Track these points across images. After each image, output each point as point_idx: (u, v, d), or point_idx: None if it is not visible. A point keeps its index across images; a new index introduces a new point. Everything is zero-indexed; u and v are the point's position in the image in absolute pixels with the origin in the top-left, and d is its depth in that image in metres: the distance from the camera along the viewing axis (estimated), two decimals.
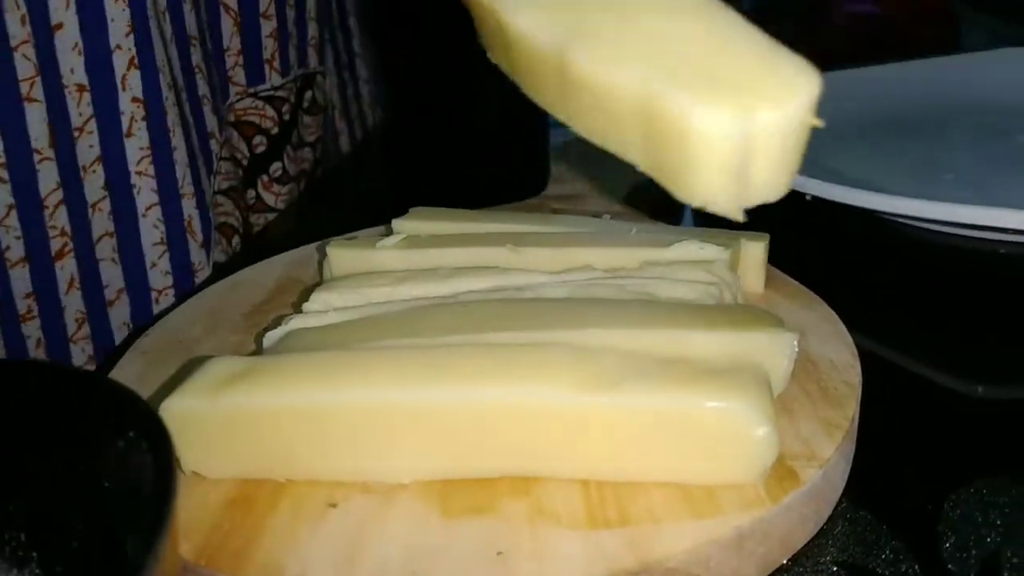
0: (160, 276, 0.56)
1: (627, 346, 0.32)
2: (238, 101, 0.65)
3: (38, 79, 0.50)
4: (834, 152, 0.65)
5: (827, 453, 0.32)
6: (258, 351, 0.39)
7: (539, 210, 0.56)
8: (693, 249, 0.40)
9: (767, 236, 0.43)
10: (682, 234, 0.43)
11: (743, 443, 0.29)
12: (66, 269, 0.52)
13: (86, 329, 0.54)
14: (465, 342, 0.33)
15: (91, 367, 0.55)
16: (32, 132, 0.50)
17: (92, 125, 0.51)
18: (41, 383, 0.28)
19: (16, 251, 0.50)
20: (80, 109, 0.50)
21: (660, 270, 0.39)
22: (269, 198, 0.69)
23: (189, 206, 0.56)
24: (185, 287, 0.57)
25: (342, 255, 0.44)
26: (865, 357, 0.37)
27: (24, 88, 0.49)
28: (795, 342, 0.33)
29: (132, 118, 0.52)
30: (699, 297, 0.37)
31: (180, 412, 0.32)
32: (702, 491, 0.30)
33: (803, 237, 0.54)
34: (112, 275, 0.54)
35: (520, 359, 0.31)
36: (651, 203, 0.57)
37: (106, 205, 0.53)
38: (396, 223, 0.47)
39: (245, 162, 0.66)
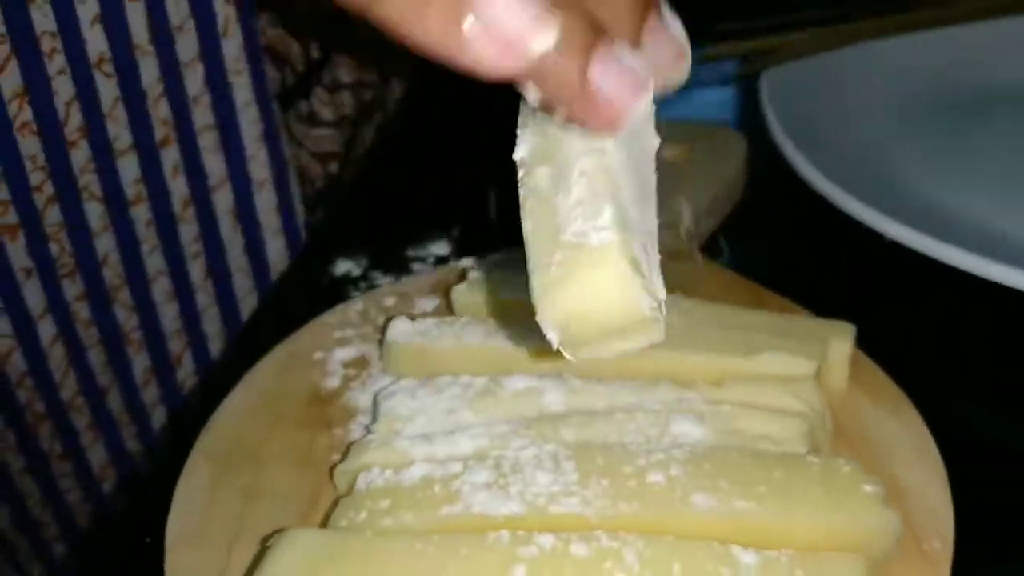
0: (260, 167, 0.59)
1: (724, 527, 0.32)
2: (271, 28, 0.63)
3: None
4: (903, 133, 0.60)
5: None
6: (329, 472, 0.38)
7: None
8: (778, 362, 0.38)
9: (852, 330, 0.41)
10: (762, 331, 0.40)
11: None
12: (169, 158, 0.56)
13: (191, 210, 0.58)
14: (551, 519, 0.32)
15: (199, 248, 0.59)
16: (133, 29, 0.51)
17: (191, 24, 0.53)
18: None
19: (124, 140, 0.53)
20: (179, 8, 0.53)
21: (743, 389, 0.37)
22: (302, 137, 0.67)
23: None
24: (282, 178, 0.61)
25: (403, 348, 0.42)
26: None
27: None
28: (898, 522, 0.32)
29: (227, 19, 0.54)
30: (791, 436, 0.35)
31: None
32: None
33: (884, 282, 0.52)
34: (214, 165, 0.57)
35: (613, 572, 0.30)
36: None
37: (207, 100, 0.56)
38: (455, 294, 0.45)
39: (275, 90, 0.64)
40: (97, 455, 0.59)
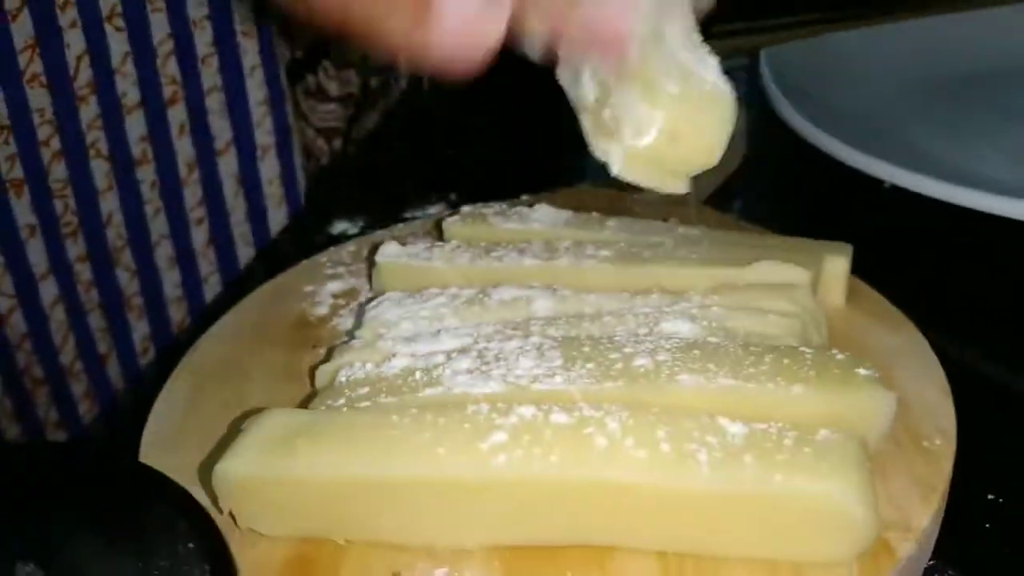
0: (264, 133, 0.59)
1: (711, 403, 0.30)
2: None
3: None
4: (909, 111, 0.61)
5: (923, 522, 0.30)
6: (311, 382, 0.37)
7: (593, 198, 0.53)
8: (773, 270, 0.37)
9: (849, 248, 0.40)
10: (758, 247, 0.39)
11: (840, 527, 0.27)
12: (176, 118, 0.55)
13: (195, 174, 0.57)
14: (532, 395, 0.31)
15: (203, 213, 0.58)
16: None
17: None
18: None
19: (132, 97, 0.53)
20: None
21: (737, 297, 0.36)
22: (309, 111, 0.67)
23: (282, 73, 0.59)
24: (285, 146, 0.60)
25: (392, 268, 0.41)
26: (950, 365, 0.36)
27: None
28: (894, 402, 0.30)
29: None
30: (783, 333, 0.34)
31: (235, 474, 0.30)
32: (790, 568, 0.28)
33: (884, 228, 0.51)
34: (220, 128, 0.57)
35: (594, 436, 0.28)
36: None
37: (215, 60, 0.55)
38: (447, 224, 0.44)
39: (284, 63, 0.64)
40: (95, 425, 0.58)
